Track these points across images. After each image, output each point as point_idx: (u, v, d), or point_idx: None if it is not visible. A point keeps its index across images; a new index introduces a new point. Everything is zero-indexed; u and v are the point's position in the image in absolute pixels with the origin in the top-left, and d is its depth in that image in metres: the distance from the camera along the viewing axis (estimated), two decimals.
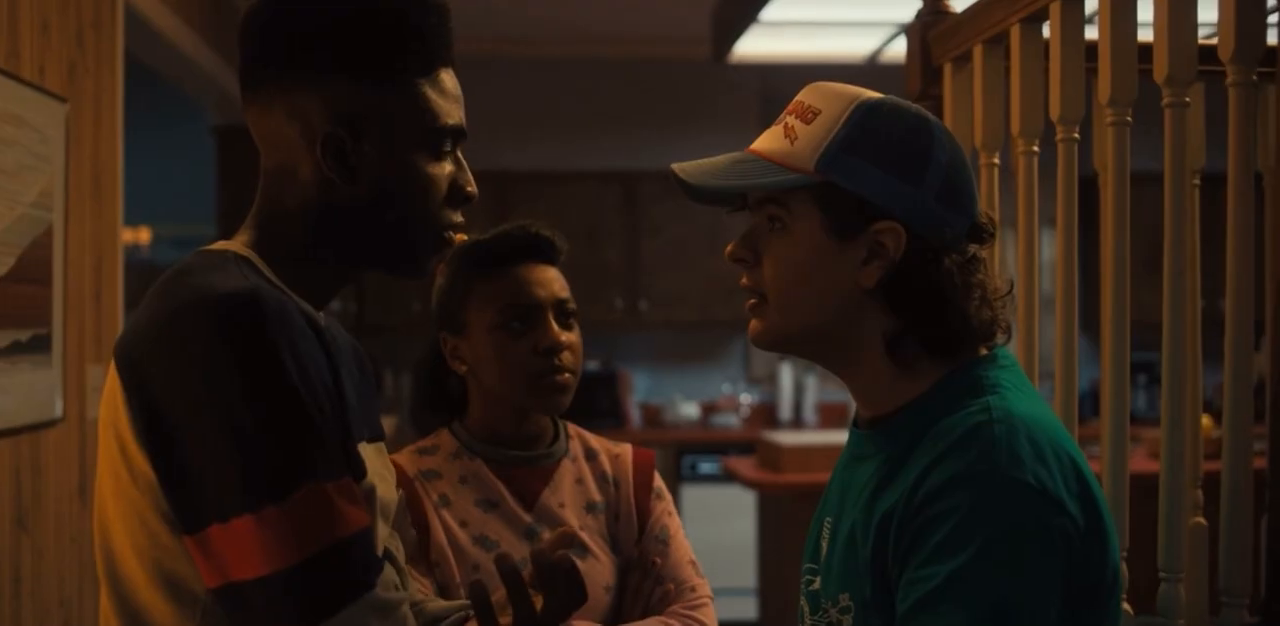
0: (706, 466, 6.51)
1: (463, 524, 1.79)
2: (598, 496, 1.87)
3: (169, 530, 1.19)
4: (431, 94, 1.30)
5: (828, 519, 1.40)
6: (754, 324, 1.38)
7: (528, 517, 1.81)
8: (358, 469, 1.26)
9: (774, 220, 1.34)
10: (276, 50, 1.29)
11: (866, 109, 1.31)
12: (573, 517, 1.82)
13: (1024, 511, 1.20)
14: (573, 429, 1.95)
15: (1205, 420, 3.97)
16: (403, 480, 1.79)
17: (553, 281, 1.85)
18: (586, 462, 1.90)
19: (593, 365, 6.64)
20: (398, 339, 6.63)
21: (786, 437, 5.03)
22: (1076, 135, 1.93)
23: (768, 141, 1.36)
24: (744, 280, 1.38)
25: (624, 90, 7.04)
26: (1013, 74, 2.07)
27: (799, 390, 7.11)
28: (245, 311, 1.17)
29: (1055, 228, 1.95)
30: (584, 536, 1.81)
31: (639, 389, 7.14)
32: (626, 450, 1.94)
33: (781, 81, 6.78)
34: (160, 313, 1.21)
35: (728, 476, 5.19)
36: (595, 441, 1.95)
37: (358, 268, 1.37)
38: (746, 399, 7.21)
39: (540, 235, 1.86)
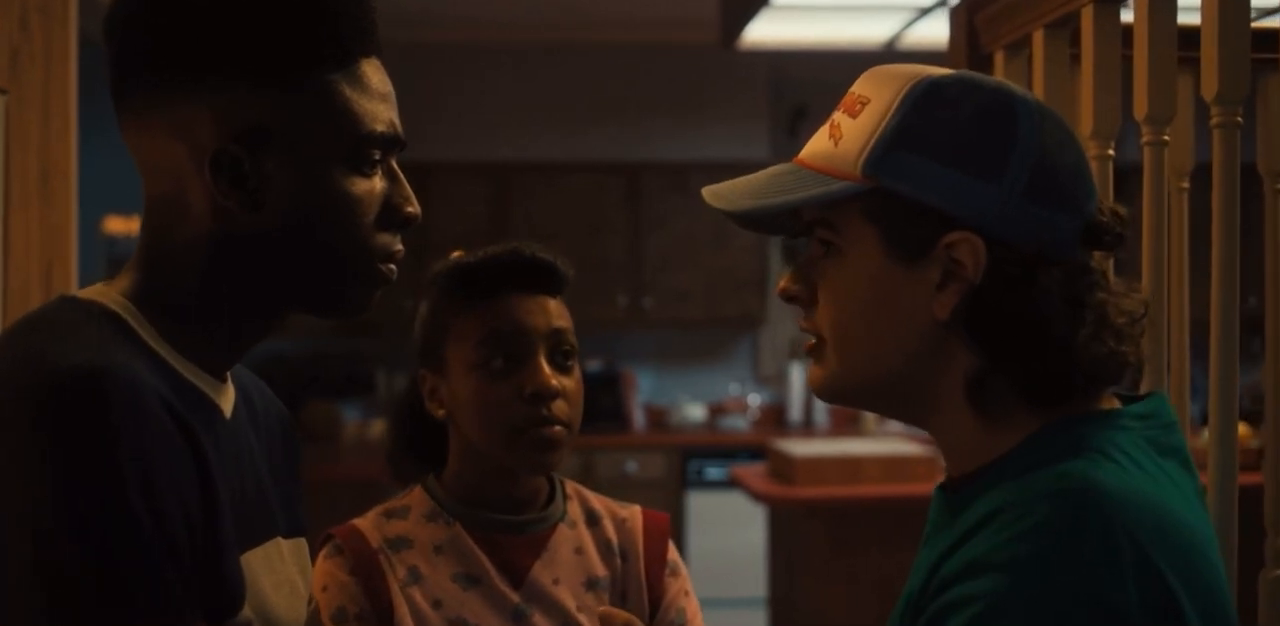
0: (714, 472, 6.23)
1: (436, 604, 1.49)
2: (601, 570, 1.55)
3: None
4: (350, 93, 1.05)
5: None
6: (811, 371, 1.13)
7: (515, 597, 1.51)
8: (228, 596, 1.00)
9: (827, 244, 1.07)
10: (149, 51, 1.03)
11: (924, 90, 1.04)
12: (569, 597, 1.52)
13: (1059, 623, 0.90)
14: (571, 487, 1.63)
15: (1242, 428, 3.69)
16: (364, 552, 1.50)
17: (548, 311, 1.53)
18: (588, 529, 1.58)
19: (595, 365, 6.38)
20: (396, 336, 6.36)
21: (799, 447, 4.76)
22: (1167, 138, 1.63)
23: (812, 146, 1.10)
24: (801, 321, 1.12)
25: (627, 77, 6.72)
26: (1084, 64, 1.77)
27: (810, 391, 6.83)
28: (82, 397, 0.91)
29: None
30: (582, 621, 1.51)
31: (643, 390, 6.85)
32: (635, 513, 1.62)
33: (793, 68, 6.52)
34: None
35: (736, 483, 4.96)
36: (598, 502, 1.63)
37: (272, 314, 1.10)
38: (755, 400, 6.94)
39: (537, 259, 1.54)
